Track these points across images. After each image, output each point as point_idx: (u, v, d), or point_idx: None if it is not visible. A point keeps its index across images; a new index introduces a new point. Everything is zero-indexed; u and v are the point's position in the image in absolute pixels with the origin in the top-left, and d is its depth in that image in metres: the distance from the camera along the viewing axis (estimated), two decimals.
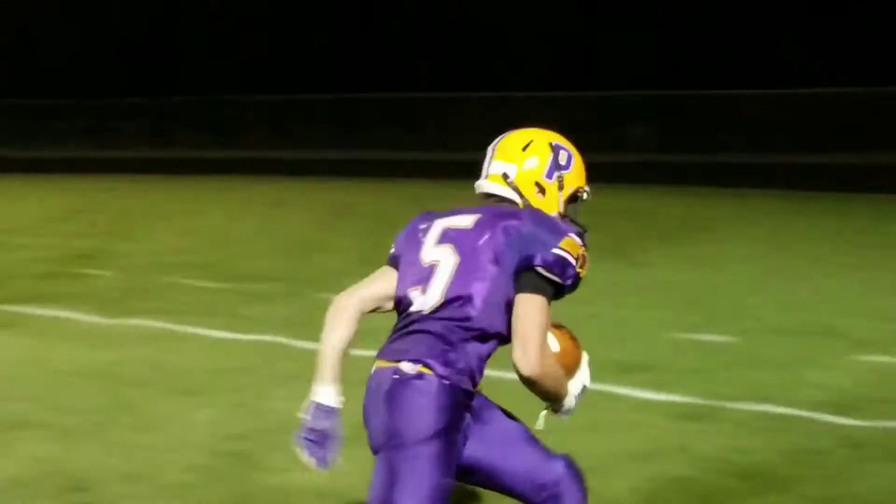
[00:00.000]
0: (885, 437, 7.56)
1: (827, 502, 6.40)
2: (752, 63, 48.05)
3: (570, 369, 4.52)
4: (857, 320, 11.56)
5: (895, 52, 45.68)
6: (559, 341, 4.53)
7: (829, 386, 8.90)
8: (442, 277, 4.36)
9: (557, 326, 4.58)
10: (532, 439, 4.42)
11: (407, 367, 4.24)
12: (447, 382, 4.23)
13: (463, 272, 4.33)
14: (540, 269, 4.28)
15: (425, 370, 4.23)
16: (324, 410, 4.37)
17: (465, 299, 4.30)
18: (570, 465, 4.42)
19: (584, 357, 4.62)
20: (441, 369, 4.23)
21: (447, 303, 4.31)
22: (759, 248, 17.55)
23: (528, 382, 4.25)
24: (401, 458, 4.18)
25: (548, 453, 4.41)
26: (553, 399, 4.41)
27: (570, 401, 4.48)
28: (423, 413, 4.20)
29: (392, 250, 4.57)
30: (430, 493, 4.18)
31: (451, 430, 4.23)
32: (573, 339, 4.61)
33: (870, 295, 13.08)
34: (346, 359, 4.41)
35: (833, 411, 8.17)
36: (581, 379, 4.56)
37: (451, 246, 4.40)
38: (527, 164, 4.56)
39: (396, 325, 4.42)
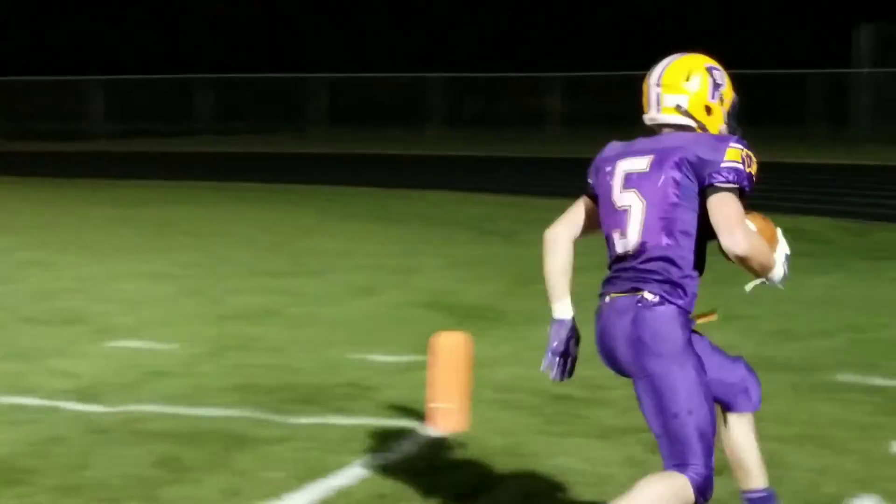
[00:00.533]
0: (127, 421, 7.66)
1: (69, 490, 6.37)
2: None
3: (770, 241, 5.06)
4: (105, 306, 11.66)
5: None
6: (754, 222, 5.04)
7: (75, 374, 8.90)
8: (635, 221, 4.97)
9: (747, 212, 4.98)
10: (716, 349, 5.21)
11: (650, 296, 4.91)
12: (677, 305, 4.91)
13: (651, 214, 4.95)
14: (719, 185, 4.85)
15: (661, 298, 4.90)
16: (559, 323, 5.17)
17: (658, 237, 4.92)
18: (746, 363, 5.27)
19: (778, 230, 5.17)
20: (670, 297, 4.91)
21: (645, 242, 4.94)
22: (21, 237, 17.31)
23: (742, 260, 4.85)
24: (664, 368, 4.88)
25: (729, 357, 5.23)
26: (765, 271, 4.97)
27: (779, 270, 5.05)
28: (671, 331, 4.89)
29: (588, 180, 5.19)
30: (697, 388, 4.89)
31: (690, 341, 4.95)
32: (764, 218, 5.14)
33: (117, 281, 13.23)
34: (569, 279, 5.16)
35: (78, 399, 8.18)
36: (782, 249, 5.11)
37: (636, 191, 4.98)
38: (693, 91, 5.06)
39: (612, 261, 5.06)
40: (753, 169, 4.95)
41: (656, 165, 4.96)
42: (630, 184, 5.01)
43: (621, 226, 5.01)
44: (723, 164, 4.86)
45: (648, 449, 7.06)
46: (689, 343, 4.95)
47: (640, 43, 55.22)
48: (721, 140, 4.95)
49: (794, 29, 56.51)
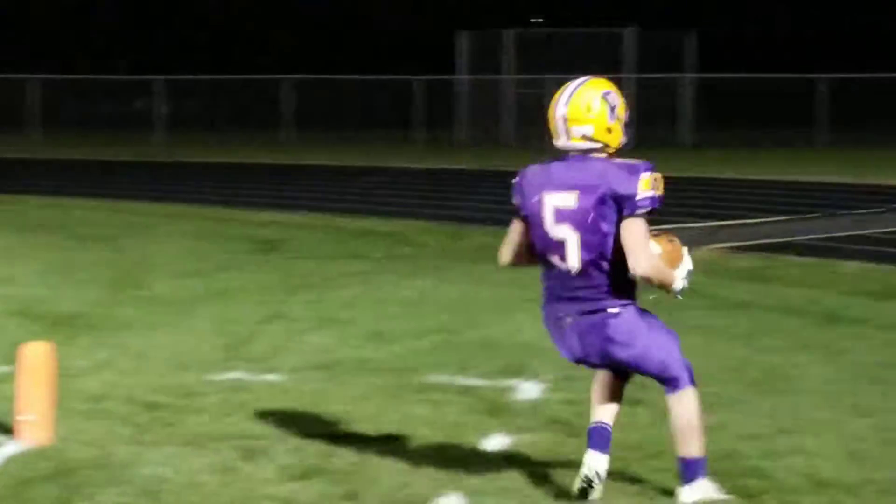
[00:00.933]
0: None
1: None
2: None
3: (674, 261, 6.11)
4: None
5: None
6: (659, 245, 6.08)
7: None
8: (573, 251, 6.05)
9: (655, 235, 6.08)
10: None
11: (613, 309, 6.07)
12: (633, 305, 6.12)
13: (586, 244, 6.03)
14: (637, 213, 5.93)
15: (620, 307, 6.08)
16: None
17: (597, 261, 6.03)
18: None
19: (684, 249, 6.18)
20: (626, 302, 6.11)
21: (586, 267, 6.05)
22: None
23: (644, 279, 5.99)
24: (642, 349, 6.09)
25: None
26: (665, 286, 6.07)
27: (679, 284, 6.12)
28: (636, 325, 6.11)
29: (516, 204, 6.23)
30: (673, 337, 6.18)
31: (645, 314, 6.18)
32: (671, 240, 6.16)
33: None
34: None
35: None
36: (686, 266, 6.15)
37: (569, 225, 6.04)
38: (595, 120, 6.05)
39: (553, 278, 6.16)
40: (660, 188, 6.00)
41: (582, 201, 6.01)
42: (562, 219, 6.06)
43: (560, 253, 6.08)
44: (638, 197, 5.93)
45: (241, 455, 7.02)
46: (647, 316, 6.15)
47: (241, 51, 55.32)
48: (633, 171, 5.96)
49: (398, 35, 57.72)
